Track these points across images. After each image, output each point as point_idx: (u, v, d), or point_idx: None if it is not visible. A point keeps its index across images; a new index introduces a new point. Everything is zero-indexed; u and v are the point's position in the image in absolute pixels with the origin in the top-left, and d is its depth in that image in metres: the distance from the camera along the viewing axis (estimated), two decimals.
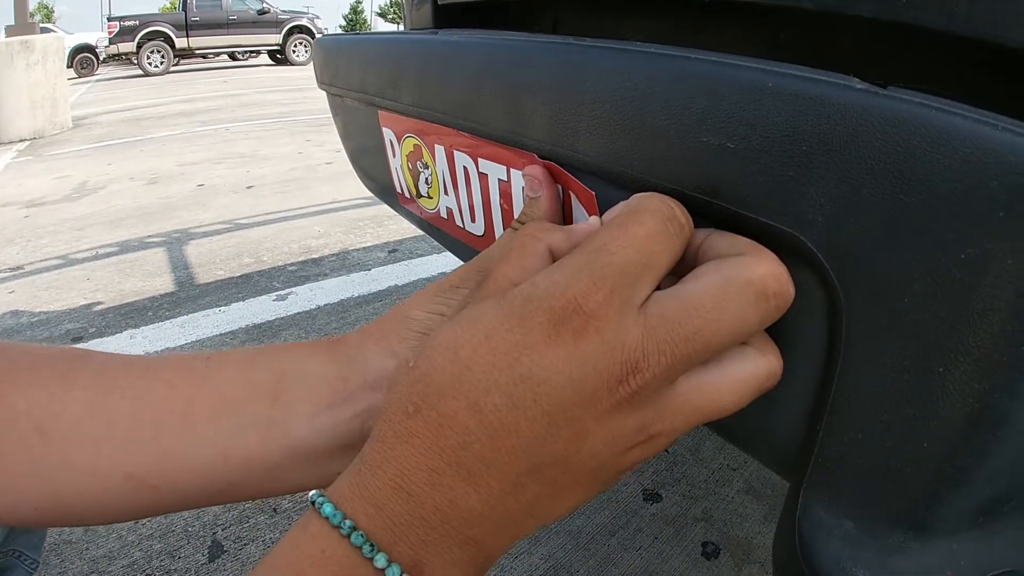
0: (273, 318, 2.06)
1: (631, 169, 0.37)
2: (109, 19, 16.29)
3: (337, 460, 0.40)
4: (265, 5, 16.52)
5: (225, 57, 18.94)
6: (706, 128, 0.32)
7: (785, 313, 0.31)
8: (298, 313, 2.09)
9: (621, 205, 0.34)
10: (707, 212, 0.34)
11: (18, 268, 2.73)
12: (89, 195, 3.90)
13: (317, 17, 17.60)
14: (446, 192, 0.64)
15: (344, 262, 2.54)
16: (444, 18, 0.86)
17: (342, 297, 2.21)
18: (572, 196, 0.43)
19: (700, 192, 0.33)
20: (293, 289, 2.29)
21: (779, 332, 0.33)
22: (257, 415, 0.39)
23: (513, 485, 0.29)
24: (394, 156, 0.73)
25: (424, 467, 0.29)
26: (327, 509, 0.30)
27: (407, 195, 0.75)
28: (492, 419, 0.28)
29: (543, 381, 0.28)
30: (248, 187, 3.81)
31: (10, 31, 6.59)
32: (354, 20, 66.12)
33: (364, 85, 0.70)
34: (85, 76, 16.46)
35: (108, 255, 2.77)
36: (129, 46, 15.26)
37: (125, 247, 2.86)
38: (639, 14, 0.70)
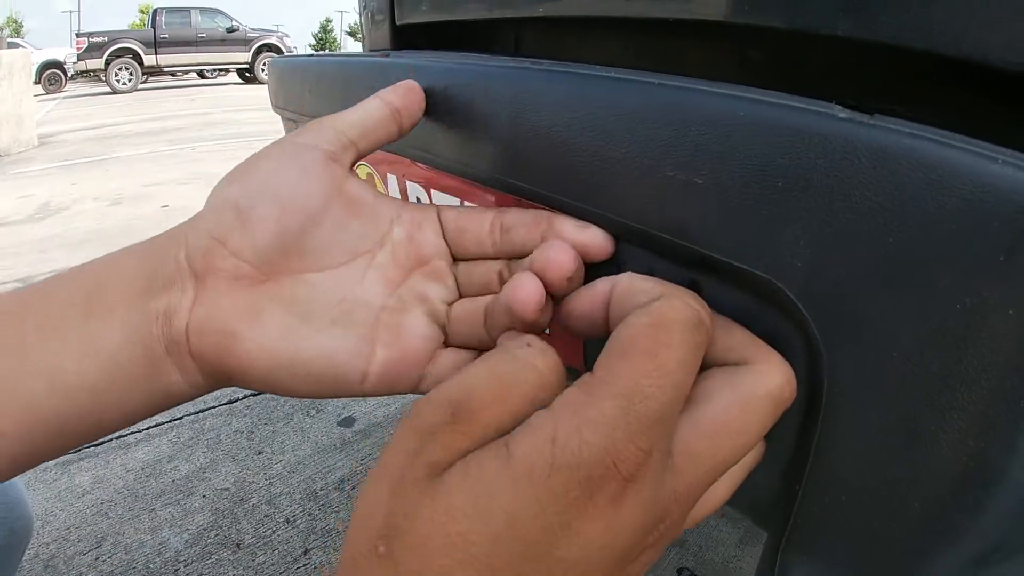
0: None
1: (590, 204, 0.34)
2: (78, 35, 16.17)
3: (154, 379, 0.34)
4: (234, 23, 16.50)
5: (194, 75, 18.85)
6: (671, 161, 0.29)
7: None
8: None
9: (631, 308, 0.28)
10: (675, 254, 0.31)
11: None
12: (52, 216, 3.86)
13: (287, 35, 17.63)
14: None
15: None
16: (403, 39, 0.84)
17: None
18: None
19: (666, 232, 0.30)
20: None
21: None
22: (74, 332, 0.33)
23: None
24: None
25: None
26: None
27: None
28: None
29: (581, 560, 0.24)
30: None
31: None
32: (324, 39, 66.61)
33: (317, 110, 0.67)
34: (53, 92, 16.33)
35: None
36: (97, 63, 15.12)
37: None
38: (602, 34, 0.67)
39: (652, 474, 0.24)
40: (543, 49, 0.75)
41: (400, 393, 0.37)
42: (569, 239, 0.34)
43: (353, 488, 1.34)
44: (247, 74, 16.92)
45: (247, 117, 8.69)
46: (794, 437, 0.31)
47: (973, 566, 0.28)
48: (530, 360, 0.27)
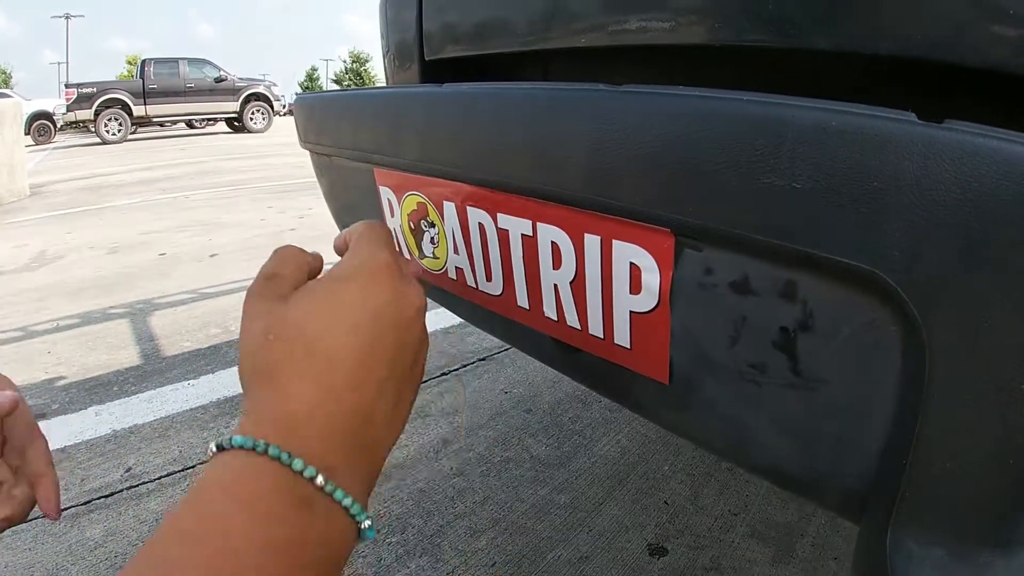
0: None
1: (683, 215, 0.35)
2: (67, 86, 16.18)
3: None
4: (222, 73, 16.64)
5: (183, 125, 18.93)
6: (769, 170, 0.31)
7: (859, 353, 0.32)
8: None
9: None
10: (773, 256, 0.33)
11: None
12: (48, 264, 3.82)
13: (274, 84, 17.75)
14: (456, 251, 0.62)
15: None
16: (431, 74, 0.86)
17: None
18: (616, 245, 0.42)
19: (767, 235, 0.32)
20: None
21: (853, 374, 0.33)
22: None
23: (380, 389, 0.40)
24: (392, 216, 0.71)
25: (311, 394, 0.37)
26: (237, 440, 0.34)
27: (407, 257, 0.72)
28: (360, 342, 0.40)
29: (408, 319, 0.42)
30: (212, 255, 3.77)
31: None
32: (310, 87, 67.91)
33: (358, 142, 0.69)
34: (43, 143, 16.33)
35: (70, 327, 2.70)
36: (87, 113, 15.15)
37: (87, 318, 2.79)
38: (630, 62, 0.70)
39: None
40: (574, 78, 0.77)
41: None
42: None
43: (379, 531, 1.33)
44: (236, 123, 17.04)
45: (238, 165, 8.74)
46: (893, 416, 0.33)
47: None
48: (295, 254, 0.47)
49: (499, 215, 0.53)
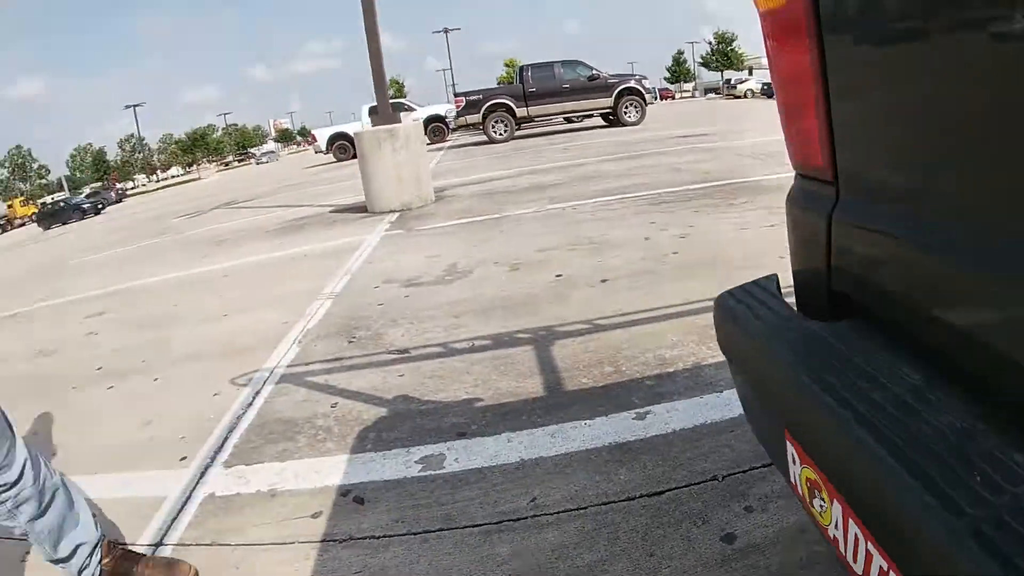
0: (633, 439, 2.04)
1: None
2: (456, 95, 19.11)
3: None
4: (594, 71, 17.63)
5: (560, 120, 20.41)
6: None
7: None
8: (655, 436, 2.04)
9: None
10: None
11: (404, 352, 3.07)
12: (459, 279, 4.22)
13: (644, 78, 18.22)
14: (836, 527, 0.68)
15: (697, 379, 2.39)
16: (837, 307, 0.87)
17: (696, 423, 2.08)
18: None
19: None
20: (650, 408, 2.23)
21: None
22: None
23: None
24: (794, 464, 0.79)
25: None
26: None
27: (799, 491, 0.79)
28: None
29: None
30: (602, 280, 3.85)
31: (375, 122, 8.06)
32: (677, 71, 68.50)
33: (770, 401, 0.78)
34: (437, 143, 19.54)
35: (483, 348, 2.98)
36: (475, 117, 17.73)
37: (497, 341, 3.05)
38: None
39: None
40: None
41: None
42: None
43: None
44: (610, 117, 18.09)
45: (615, 168, 8.91)
46: None
47: None
48: None
49: (869, 544, 0.60)
